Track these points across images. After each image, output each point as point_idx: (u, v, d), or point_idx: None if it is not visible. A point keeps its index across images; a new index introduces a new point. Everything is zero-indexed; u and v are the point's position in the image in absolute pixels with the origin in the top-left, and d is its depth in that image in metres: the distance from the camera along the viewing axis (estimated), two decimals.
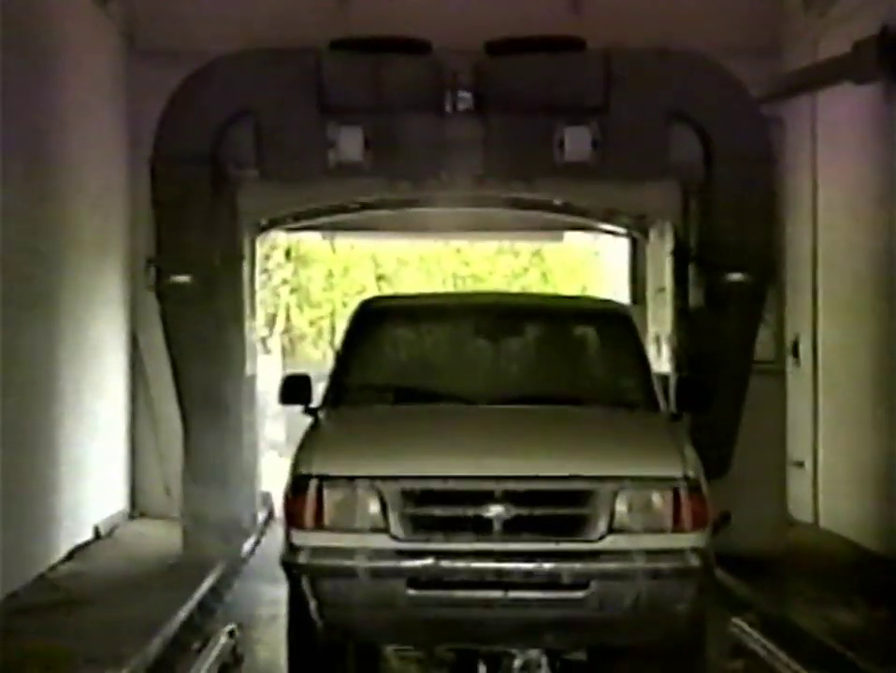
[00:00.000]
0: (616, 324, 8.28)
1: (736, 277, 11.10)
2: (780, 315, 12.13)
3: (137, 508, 13.91)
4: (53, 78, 11.24)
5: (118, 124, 13.63)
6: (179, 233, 10.93)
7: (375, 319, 8.34)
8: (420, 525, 6.60)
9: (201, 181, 11.00)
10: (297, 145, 11.10)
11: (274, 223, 12.96)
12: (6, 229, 9.67)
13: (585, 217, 14.67)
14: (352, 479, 6.66)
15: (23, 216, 10.18)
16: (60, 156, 11.46)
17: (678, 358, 11.74)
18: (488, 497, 6.56)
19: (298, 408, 7.77)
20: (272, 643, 8.19)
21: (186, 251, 10.94)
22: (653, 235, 13.40)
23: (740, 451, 10.85)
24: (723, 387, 10.49)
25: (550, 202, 13.00)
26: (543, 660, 7.08)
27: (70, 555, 11.29)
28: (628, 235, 15.04)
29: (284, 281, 29.25)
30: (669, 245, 12.25)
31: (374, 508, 6.60)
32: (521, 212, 13.99)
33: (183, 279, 10.89)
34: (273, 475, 13.67)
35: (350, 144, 11.01)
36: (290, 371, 8.49)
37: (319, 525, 6.67)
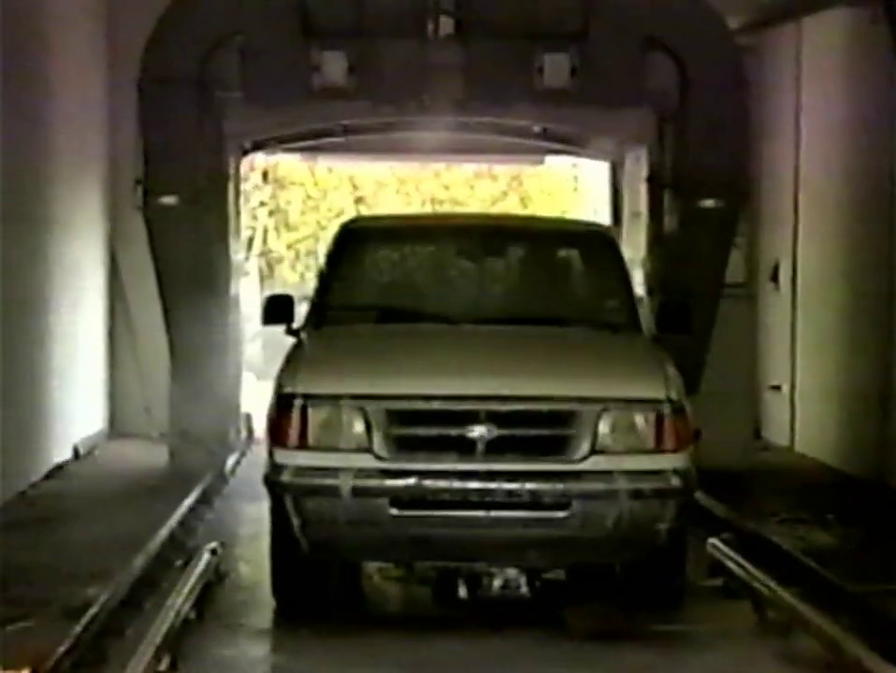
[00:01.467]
0: (600, 246, 8.28)
1: (709, 203, 11.35)
2: (751, 239, 12.33)
3: (116, 428, 13.92)
4: None
5: (97, 39, 13.47)
6: (165, 154, 11.07)
7: (358, 239, 8.32)
8: (404, 445, 6.64)
9: (188, 103, 11.14)
10: (282, 69, 11.24)
11: (258, 146, 13.05)
12: None
13: (564, 143, 14.71)
14: (336, 397, 6.68)
15: (1, 133, 10.05)
16: (38, 71, 11.33)
17: (651, 281, 11.88)
18: (472, 417, 6.60)
19: (275, 330, 7.77)
20: (255, 561, 8.24)
21: (173, 172, 11.07)
22: (629, 160, 13.49)
23: (710, 370, 11.01)
24: (694, 310, 10.70)
25: (530, 127, 13.09)
26: (522, 579, 7.16)
27: (50, 474, 11.31)
28: (608, 159, 15.06)
29: (262, 204, 29.06)
30: (644, 171, 12.42)
31: (358, 427, 6.63)
32: (502, 137, 14.04)
33: (170, 199, 11.06)
34: (251, 397, 13.75)
35: (333, 68, 11.16)
36: (272, 291, 8.47)
37: (303, 444, 6.70)
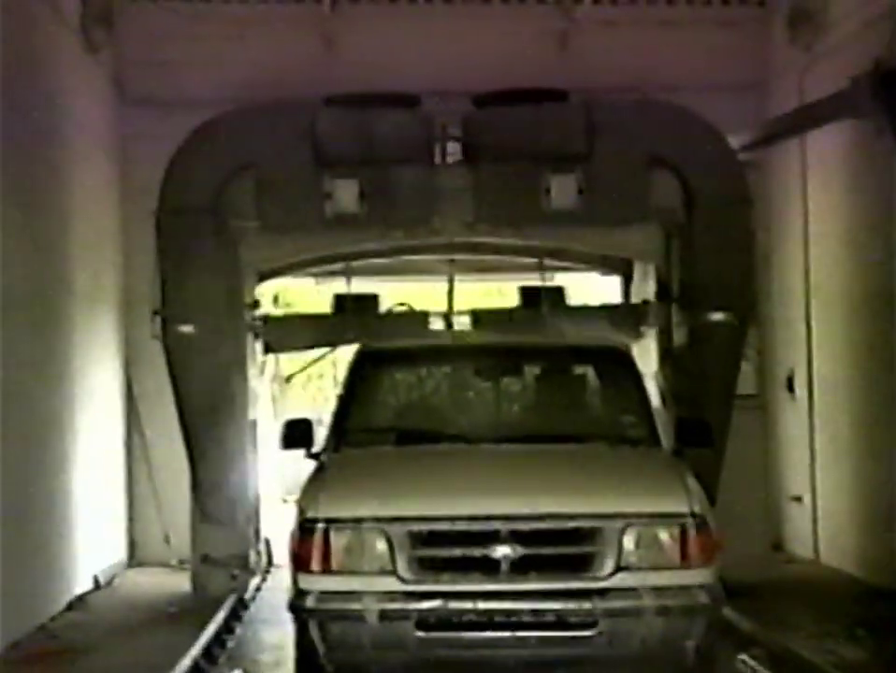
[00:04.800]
0: (616, 361, 8.33)
1: (717, 316, 11.42)
2: (765, 348, 12.38)
3: (135, 557, 13.85)
4: (46, 127, 11.28)
5: (110, 172, 13.68)
6: (183, 283, 11.22)
7: (375, 362, 8.39)
8: (428, 566, 6.62)
9: (204, 233, 11.30)
10: (295, 197, 11.42)
11: (274, 272, 13.22)
12: (4, 277, 9.69)
13: (572, 260, 14.86)
14: (358, 521, 6.69)
15: (21, 265, 10.20)
16: (55, 205, 11.52)
17: (663, 396, 11.92)
18: (495, 537, 6.59)
19: (290, 454, 7.78)
20: None
21: (191, 301, 11.22)
22: (637, 276, 13.58)
23: (724, 483, 10.97)
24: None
25: (539, 247, 13.27)
26: None
27: (70, 606, 11.23)
28: (619, 273, 15.17)
29: None
30: (652, 286, 12.50)
31: (381, 549, 6.63)
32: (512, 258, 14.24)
33: (188, 328, 11.17)
34: (269, 521, 13.71)
35: (346, 195, 11.35)
36: (291, 416, 8.50)
37: (326, 569, 6.69)
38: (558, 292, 13.23)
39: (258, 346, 12.68)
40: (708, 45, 13.80)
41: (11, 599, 9.56)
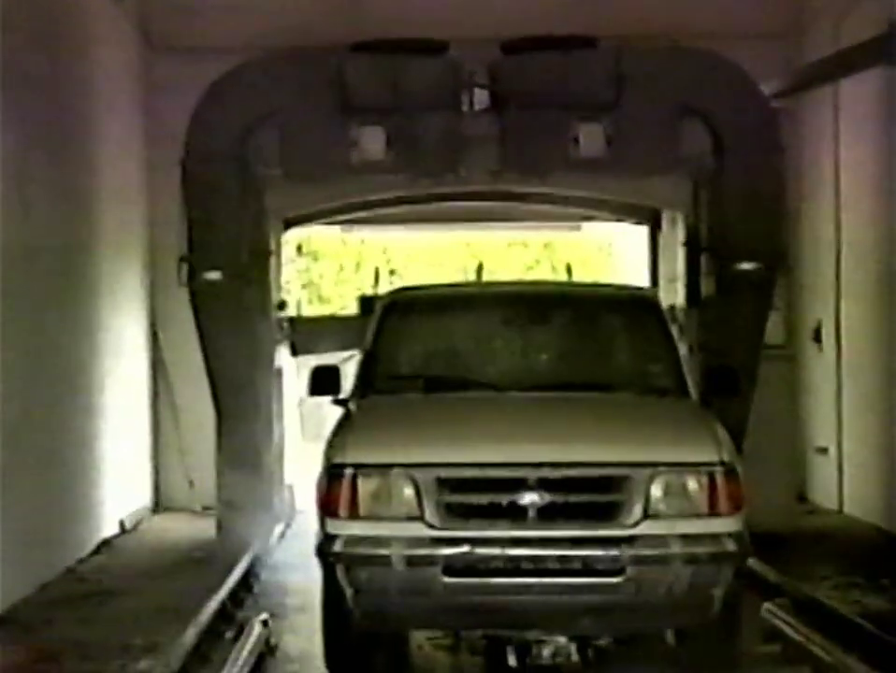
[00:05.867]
0: (645, 310, 8.29)
1: (746, 265, 11.35)
2: (792, 299, 12.24)
3: (160, 503, 13.96)
4: (73, 75, 11.28)
5: (135, 120, 13.67)
6: (209, 230, 11.20)
7: (403, 309, 8.37)
8: (455, 513, 6.62)
9: (230, 181, 11.27)
10: (321, 145, 11.36)
11: (300, 219, 13.21)
12: (29, 225, 9.71)
13: (599, 210, 14.79)
14: (386, 467, 6.68)
15: (46, 212, 10.22)
16: (80, 152, 11.52)
17: (690, 346, 11.89)
18: (523, 484, 6.58)
19: (313, 401, 7.77)
20: (304, 632, 8.22)
21: (217, 249, 11.21)
22: (665, 225, 13.50)
23: (751, 432, 10.96)
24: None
25: (565, 196, 13.21)
26: (573, 647, 7.11)
27: (97, 549, 11.33)
28: (647, 223, 15.12)
29: (299, 274, 29.26)
30: (680, 235, 12.50)
31: (409, 495, 6.62)
32: (539, 205, 14.17)
33: (215, 275, 11.17)
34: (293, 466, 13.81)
35: (372, 143, 11.30)
36: (319, 363, 8.52)
37: (354, 514, 6.69)
38: None
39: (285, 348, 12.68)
40: None
41: (40, 542, 9.67)
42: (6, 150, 9.21)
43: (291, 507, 13.31)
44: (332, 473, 6.78)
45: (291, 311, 13.32)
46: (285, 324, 12.69)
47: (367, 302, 12.83)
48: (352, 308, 13.14)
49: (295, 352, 13.10)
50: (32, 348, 9.72)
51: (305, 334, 12.86)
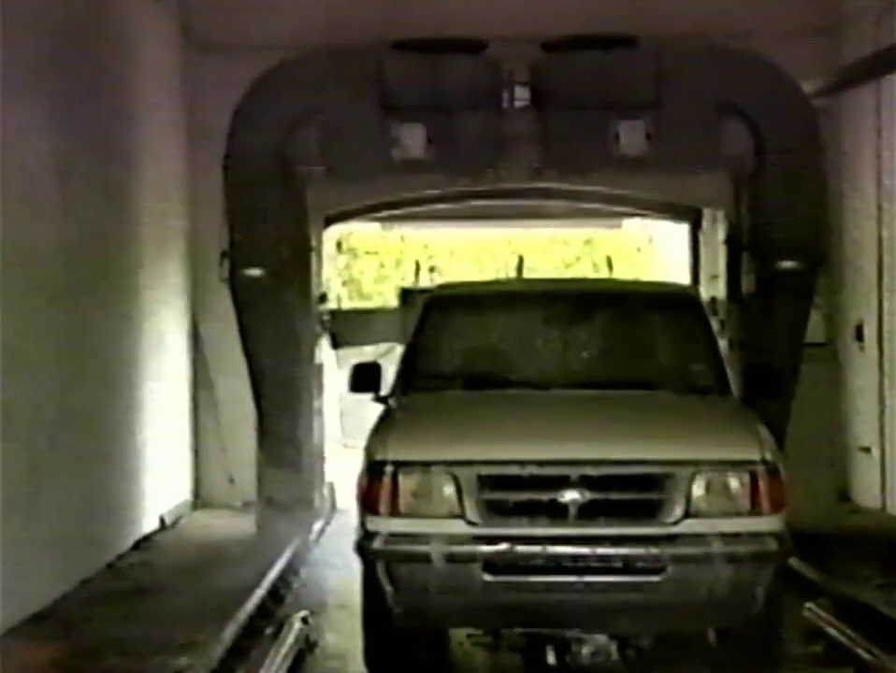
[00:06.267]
0: (686, 308, 8.26)
1: (787, 264, 11.39)
2: (834, 298, 12.31)
3: (200, 499, 14.00)
4: (115, 74, 11.34)
5: (177, 117, 13.71)
6: (250, 227, 11.29)
7: (445, 307, 8.36)
8: (496, 510, 6.61)
9: (272, 178, 11.36)
10: (362, 142, 11.46)
11: (340, 216, 13.29)
12: (73, 222, 9.77)
13: (640, 208, 14.75)
14: (427, 464, 6.68)
15: (89, 209, 10.28)
16: (122, 150, 11.57)
17: (732, 344, 11.85)
18: (564, 482, 6.56)
19: (353, 398, 7.79)
20: (343, 629, 8.22)
21: (258, 245, 11.30)
22: (706, 224, 13.50)
23: (792, 431, 10.91)
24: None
25: (608, 192, 13.23)
26: (612, 646, 7.09)
27: (137, 545, 11.38)
28: (688, 221, 15.07)
29: (339, 271, 29.33)
30: (721, 234, 12.53)
31: (450, 493, 6.62)
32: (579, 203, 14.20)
33: (256, 271, 11.26)
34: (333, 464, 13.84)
35: (412, 141, 11.39)
36: (360, 360, 8.54)
37: (394, 511, 6.69)
38: None
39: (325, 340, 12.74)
40: None
41: (80, 538, 9.71)
42: (49, 148, 9.27)
43: (331, 504, 13.34)
44: (373, 470, 6.78)
45: (331, 305, 13.37)
46: (326, 317, 12.73)
47: (407, 294, 12.88)
48: (392, 303, 13.20)
49: (335, 344, 13.17)
50: (73, 345, 9.77)
51: (346, 326, 12.93)
